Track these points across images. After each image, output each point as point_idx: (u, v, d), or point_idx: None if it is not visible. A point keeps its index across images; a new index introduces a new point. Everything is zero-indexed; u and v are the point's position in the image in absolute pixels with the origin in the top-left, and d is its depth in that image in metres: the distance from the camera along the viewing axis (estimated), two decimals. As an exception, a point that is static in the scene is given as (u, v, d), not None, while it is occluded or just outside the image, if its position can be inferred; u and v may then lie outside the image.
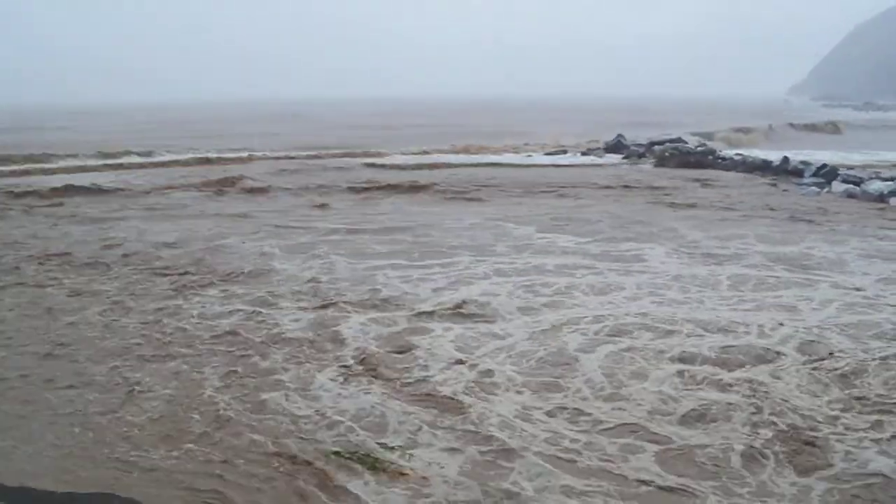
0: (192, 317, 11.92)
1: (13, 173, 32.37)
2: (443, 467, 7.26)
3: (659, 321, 11.96)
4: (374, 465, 7.23)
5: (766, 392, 9.05)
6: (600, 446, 7.70)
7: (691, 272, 15.13)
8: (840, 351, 10.47)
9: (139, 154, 39.61)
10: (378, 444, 7.71)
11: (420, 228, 19.69)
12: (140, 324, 11.62)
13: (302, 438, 7.85)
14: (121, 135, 57.72)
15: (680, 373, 9.75)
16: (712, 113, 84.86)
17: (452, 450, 7.59)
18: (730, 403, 8.70)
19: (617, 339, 11.12)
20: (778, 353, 10.50)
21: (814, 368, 9.80)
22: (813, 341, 10.95)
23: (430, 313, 12.12)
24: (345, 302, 12.70)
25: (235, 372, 9.64)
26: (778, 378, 9.52)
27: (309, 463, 7.29)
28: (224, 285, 13.79)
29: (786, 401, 8.78)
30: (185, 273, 14.62)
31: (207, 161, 37.04)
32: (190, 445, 7.70)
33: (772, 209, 22.97)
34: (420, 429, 8.06)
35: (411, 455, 7.48)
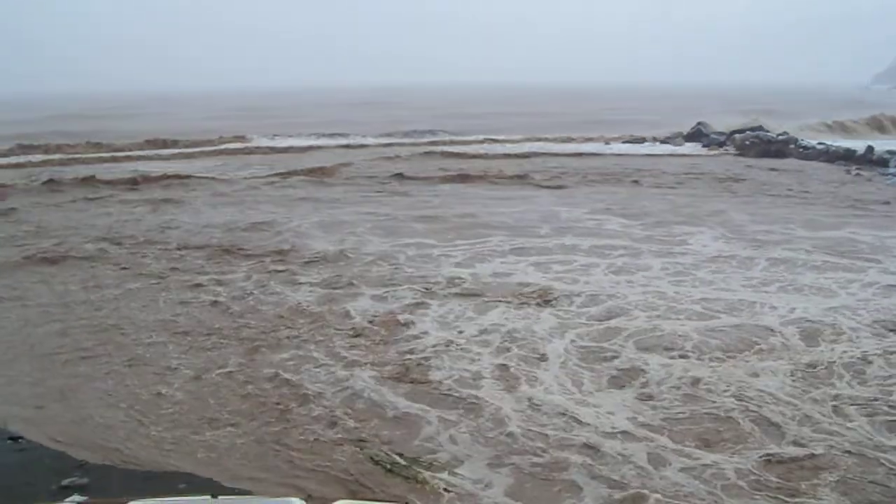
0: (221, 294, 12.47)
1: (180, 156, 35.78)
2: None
3: (666, 300, 12.35)
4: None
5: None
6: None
7: (731, 254, 15.44)
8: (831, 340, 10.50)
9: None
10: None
11: (476, 213, 20.10)
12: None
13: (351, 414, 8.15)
14: (222, 122, 58.19)
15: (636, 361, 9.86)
16: (795, 102, 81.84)
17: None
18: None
19: (598, 323, 11.35)
20: (766, 337, 10.65)
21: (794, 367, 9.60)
22: (815, 326, 11.03)
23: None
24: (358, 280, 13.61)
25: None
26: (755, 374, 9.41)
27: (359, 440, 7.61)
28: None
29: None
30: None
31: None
32: (266, 426, 8.10)
33: (838, 197, 22.55)
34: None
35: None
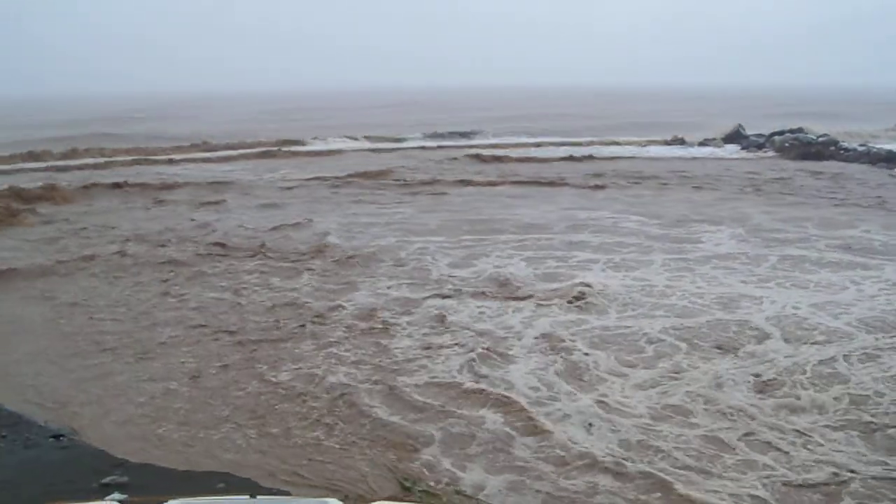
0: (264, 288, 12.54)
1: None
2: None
3: (653, 296, 12.66)
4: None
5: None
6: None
7: (742, 251, 15.68)
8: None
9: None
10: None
11: (501, 214, 20.37)
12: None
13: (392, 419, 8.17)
14: (273, 124, 58.46)
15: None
16: (861, 104, 79.93)
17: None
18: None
19: (563, 315, 11.73)
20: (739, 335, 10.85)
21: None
22: (801, 322, 11.23)
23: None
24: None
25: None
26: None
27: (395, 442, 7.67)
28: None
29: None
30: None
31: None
32: (301, 428, 8.14)
33: (869, 198, 22.38)
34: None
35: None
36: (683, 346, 10.47)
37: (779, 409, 8.51)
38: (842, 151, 34.14)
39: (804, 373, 9.42)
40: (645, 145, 41.22)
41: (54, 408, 8.70)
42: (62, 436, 7.98)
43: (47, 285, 13.79)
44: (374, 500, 3.90)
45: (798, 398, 8.70)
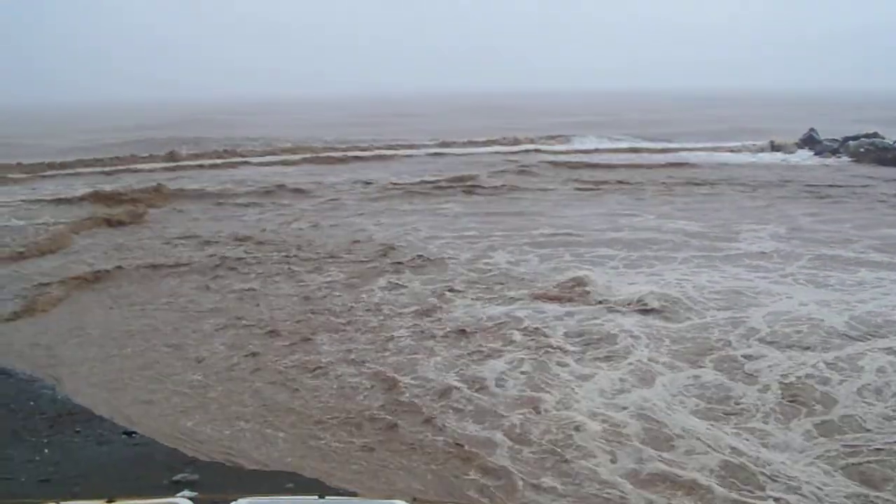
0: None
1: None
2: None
3: (659, 285, 12.94)
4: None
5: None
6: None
7: (777, 249, 15.72)
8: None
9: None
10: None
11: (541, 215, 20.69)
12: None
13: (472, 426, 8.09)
14: (373, 128, 57.81)
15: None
16: None
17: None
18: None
19: (546, 305, 12.14)
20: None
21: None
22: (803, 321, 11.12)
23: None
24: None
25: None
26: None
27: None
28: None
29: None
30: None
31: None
32: (373, 431, 8.13)
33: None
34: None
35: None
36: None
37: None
38: (922, 157, 32.89)
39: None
40: (713, 152, 40.17)
41: (127, 405, 8.83)
42: (134, 433, 8.08)
43: (181, 282, 14.28)
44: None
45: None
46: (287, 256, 15.88)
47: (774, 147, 40.53)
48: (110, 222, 20.25)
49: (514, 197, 24.34)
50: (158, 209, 22.37)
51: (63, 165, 33.77)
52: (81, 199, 23.70)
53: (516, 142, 43.92)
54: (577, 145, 43.88)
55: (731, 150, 40.56)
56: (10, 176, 30.55)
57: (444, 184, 26.97)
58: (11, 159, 33.88)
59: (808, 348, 10.20)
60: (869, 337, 10.53)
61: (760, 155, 38.45)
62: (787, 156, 38.12)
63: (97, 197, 23.81)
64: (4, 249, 16.64)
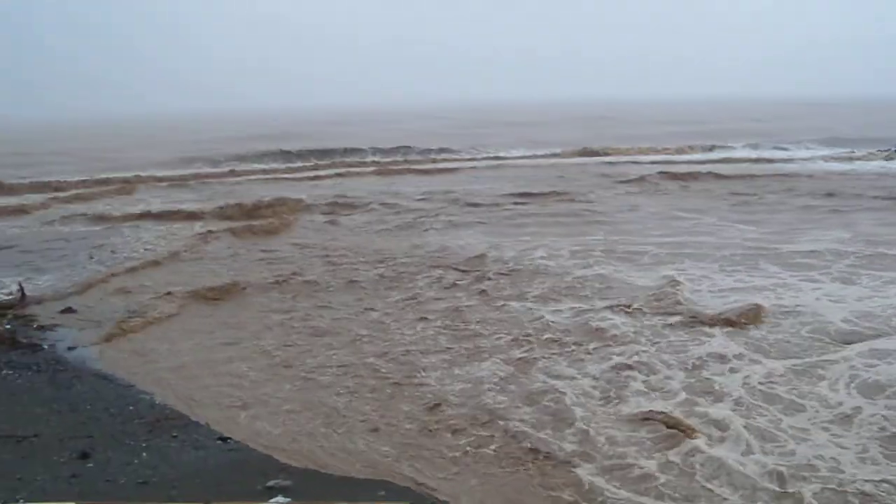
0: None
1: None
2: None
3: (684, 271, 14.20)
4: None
5: None
6: None
7: (827, 249, 15.79)
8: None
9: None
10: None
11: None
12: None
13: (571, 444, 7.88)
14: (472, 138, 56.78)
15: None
16: None
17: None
18: None
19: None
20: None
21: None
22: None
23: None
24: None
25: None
26: None
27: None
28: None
29: None
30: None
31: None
32: (469, 439, 8.02)
33: None
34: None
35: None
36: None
37: None
38: None
39: None
40: (808, 160, 38.77)
41: (222, 412, 8.95)
42: (229, 438, 8.18)
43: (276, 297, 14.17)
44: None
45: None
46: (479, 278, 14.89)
47: None
48: (247, 232, 20.58)
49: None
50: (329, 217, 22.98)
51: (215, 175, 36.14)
52: (222, 209, 24.34)
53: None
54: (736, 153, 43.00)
55: (836, 158, 39.02)
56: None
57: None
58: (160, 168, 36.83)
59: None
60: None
61: (854, 164, 36.83)
62: (887, 163, 36.52)
63: (241, 208, 24.38)
64: (137, 259, 17.33)
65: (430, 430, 8.28)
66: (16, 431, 8.29)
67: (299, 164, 41.55)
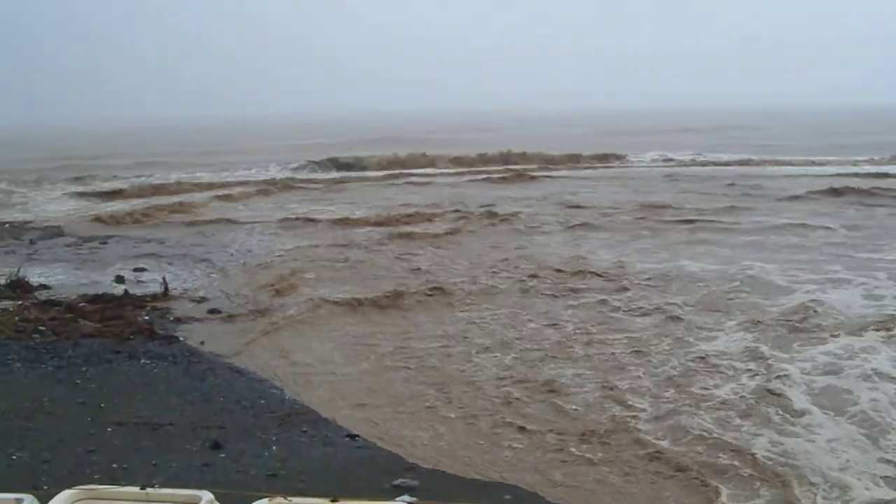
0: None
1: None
2: None
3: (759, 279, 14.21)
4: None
5: None
6: None
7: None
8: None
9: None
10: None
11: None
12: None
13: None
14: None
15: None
16: None
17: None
18: None
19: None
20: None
21: None
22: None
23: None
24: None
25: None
26: None
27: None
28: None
29: None
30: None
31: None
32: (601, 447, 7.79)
33: None
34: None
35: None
36: None
37: None
38: None
39: None
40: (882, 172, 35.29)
41: (351, 410, 8.97)
42: (357, 436, 8.17)
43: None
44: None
45: None
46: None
47: None
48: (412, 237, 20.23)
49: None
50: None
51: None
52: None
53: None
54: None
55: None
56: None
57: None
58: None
59: None
60: None
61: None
62: None
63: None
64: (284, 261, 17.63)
65: (573, 437, 8.03)
66: (152, 419, 8.55)
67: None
